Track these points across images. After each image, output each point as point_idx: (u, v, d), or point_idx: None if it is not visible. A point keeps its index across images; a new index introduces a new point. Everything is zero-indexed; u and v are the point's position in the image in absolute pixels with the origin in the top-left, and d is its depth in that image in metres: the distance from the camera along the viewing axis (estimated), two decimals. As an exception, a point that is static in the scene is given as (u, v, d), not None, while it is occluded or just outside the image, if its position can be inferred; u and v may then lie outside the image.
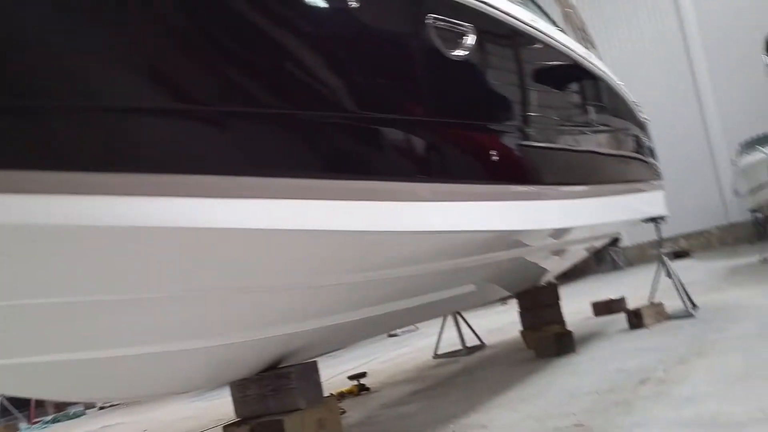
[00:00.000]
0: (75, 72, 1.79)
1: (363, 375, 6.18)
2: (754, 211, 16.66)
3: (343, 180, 2.39)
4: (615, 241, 15.36)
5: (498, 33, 3.43)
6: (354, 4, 2.45)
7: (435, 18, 2.83)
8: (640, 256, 18.89)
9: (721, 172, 19.21)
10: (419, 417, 4.28)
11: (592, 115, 4.68)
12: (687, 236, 19.33)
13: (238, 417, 3.01)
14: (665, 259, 6.59)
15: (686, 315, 6.08)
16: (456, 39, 2.95)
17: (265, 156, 2.18)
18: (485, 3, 3.21)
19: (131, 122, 1.88)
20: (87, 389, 2.78)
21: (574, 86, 4.64)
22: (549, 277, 6.35)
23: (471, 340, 7.50)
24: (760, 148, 12.71)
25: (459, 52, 2.96)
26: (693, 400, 3.22)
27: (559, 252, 5.48)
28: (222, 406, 6.27)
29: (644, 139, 6.77)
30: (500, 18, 3.36)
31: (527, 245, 4.21)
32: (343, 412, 4.88)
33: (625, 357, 4.77)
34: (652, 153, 7.27)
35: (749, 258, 11.52)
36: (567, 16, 6.60)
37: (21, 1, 1.68)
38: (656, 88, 19.96)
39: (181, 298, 2.27)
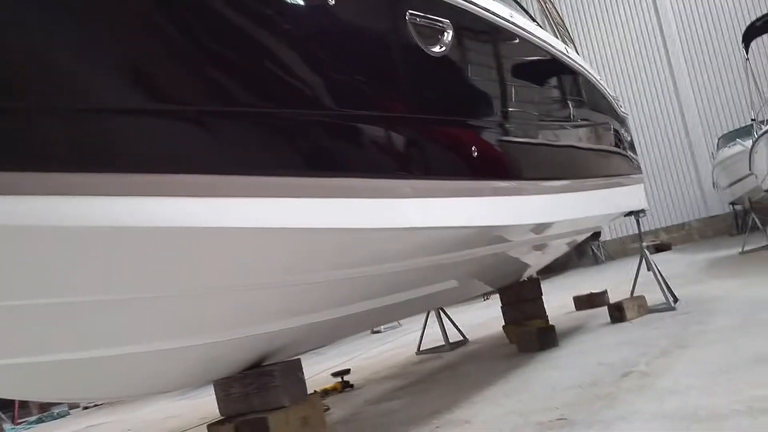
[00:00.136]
0: (72, 73, 1.77)
1: (347, 372, 6.17)
2: (733, 203, 16.84)
3: (322, 177, 2.38)
4: (596, 235, 15.46)
5: (476, 29, 3.43)
6: (330, 1, 2.44)
7: (412, 14, 2.82)
8: (621, 249, 19.06)
9: (701, 165, 19.43)
10: (403, 413, 4.28)
11: (572, 109, 4.71)
12: (667, 229, 19.54)
13: (222, 415, 3.00)
14: (646, 252, 6.63)
15: (668, 308, 6.13)
16: (434, 35, 2.95)
17: (242, 154, 2.17)
18: None
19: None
20: (69, 390, 2.76)
21: (553, 81, 4.66)
22: (531, 272, 6.37)
23: (454, 336, 7.52)
24: (740, 141, 12.84)
25: (437, 48, 2.96)
26: (675, 392, 3.23)
27: (540, 247, 5.51)
28: (206, 404, 6.25)
29: (624, 133, 6.81)
30: (478, 13, 3.36)
31: (509, 240, 4.22)
32: (327, 409, 4.89)
33: (608, 350, 4.79)
34: (632, 147, 7.31)
35: (729, 250, 11.62)
36: (544, 12, 6.63)
37: (8, 2, 1.66)
38: (636, 82, 20.19)
39: (162, 297, 2.26)
